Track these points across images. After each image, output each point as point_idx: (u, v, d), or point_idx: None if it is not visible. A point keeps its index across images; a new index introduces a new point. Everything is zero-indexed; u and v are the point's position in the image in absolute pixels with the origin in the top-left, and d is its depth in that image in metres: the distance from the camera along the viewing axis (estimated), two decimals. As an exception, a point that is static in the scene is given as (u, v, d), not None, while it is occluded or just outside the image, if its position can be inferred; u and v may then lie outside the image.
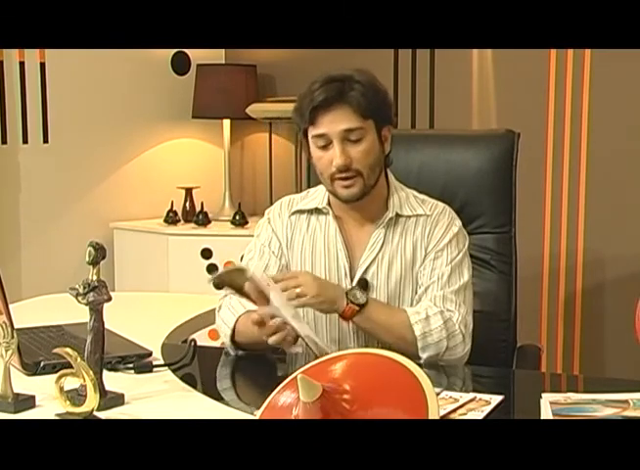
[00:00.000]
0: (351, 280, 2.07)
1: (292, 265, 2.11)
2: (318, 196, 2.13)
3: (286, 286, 1.92)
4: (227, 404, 1.71)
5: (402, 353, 1.76)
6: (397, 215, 2.08)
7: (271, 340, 1.89)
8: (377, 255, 2.07)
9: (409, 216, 2.09)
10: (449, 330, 1.98)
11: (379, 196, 2.08)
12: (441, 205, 2.13)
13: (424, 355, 1.97)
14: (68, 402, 1.59)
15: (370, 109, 1.99)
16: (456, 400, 1.66)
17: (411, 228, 2.08)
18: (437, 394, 1.56)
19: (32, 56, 3.80)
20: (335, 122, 1.97)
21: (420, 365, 1.42)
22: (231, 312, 2.05)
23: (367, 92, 1.98)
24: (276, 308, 1.88)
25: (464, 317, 2.02)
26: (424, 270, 2.06)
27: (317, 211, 2.12)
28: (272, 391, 1.46)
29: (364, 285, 2.06)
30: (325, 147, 2.00)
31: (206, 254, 3.89)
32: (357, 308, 1.96)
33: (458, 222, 2.12)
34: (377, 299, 2.04)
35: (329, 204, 2.11)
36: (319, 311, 2.01)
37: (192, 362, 1.99)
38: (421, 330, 1.97)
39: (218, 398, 1.76)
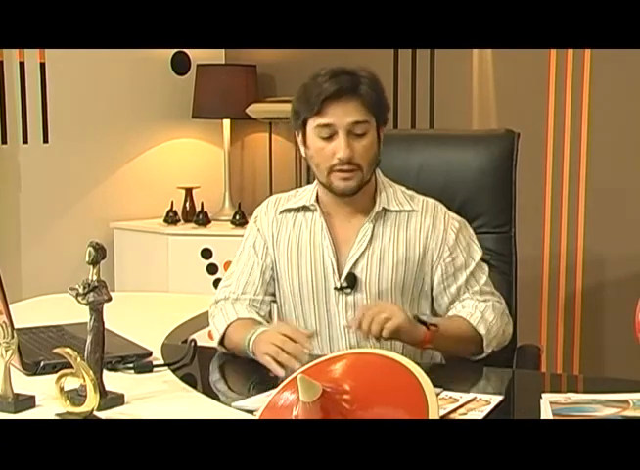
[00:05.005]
0: (339, 276, 2.07)
1: (278, 263, 2.13)
2: (306, 195, 2.14)
3: (372, 315, 1.88)
4: (227, 404, 1.71)
5: (467, 354, 1.99)
6: (385, 210, 2.08)
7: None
8: (365, 249, 2.07)
9: (399, 212, 2.09)
10: (502, 318, 2.10)
11: (368, 192, 2.09)
12: (431, 200, 2.13)
13: (489, 350, 2.05)
14: (68, 402, 1.59)
15: (376, 105, 2.02)
16: (456, 400, 1.66)
17: (403, 225, 2.09)
18: (437, 394, 1.56)
19: (32, 56, 3.80)
20: (344, 114, 1.98)
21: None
22: (223, 318, 2.06)
23: (375, 89, 2.02)
24: None
25: (503, 301, 2.14)
26: (446, 269, 2.08)
27: (304, 208, 2.12)
28: (272, 391, 1.47)
29: (352, 280, 2.06)
30: (328, 138, 2.00)
31: (206, 254, 3.89)
32: (436, 329, 1.95)
33: (453, 215, 2.14)
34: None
35: (317, 201, 2.11)
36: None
37: (192, 362, 1.99)
38: (484, 328, 2.04)
39: (218, 398, 1.76)
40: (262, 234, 2.15)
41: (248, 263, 2.14)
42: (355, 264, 2.07)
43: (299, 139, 2.08)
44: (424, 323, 1.94)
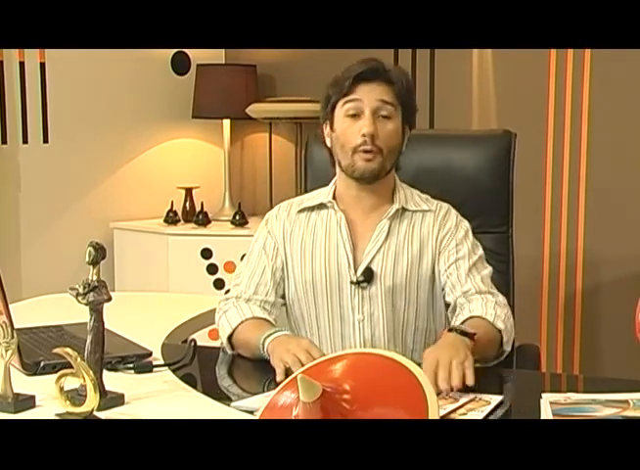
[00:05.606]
0: (355, 271, 2.08)
1: (290, 261, 2.13)
2: (323, 194, 2.16)
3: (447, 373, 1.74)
4: (227, 404, 1.71)
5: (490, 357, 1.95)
6: (403, 209, 2.12)
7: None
8: (382, 245, 2.09)
9: (415, 211, 2.13)
10: (509, 312, 2.07)
11: (386, 187, 2.12)
12: (446, 204, 2.17)
13: (508, 348, 2.03)
14: (68, 402, 1.59)
15: (405, 95, 2.07)
16: (456, 400, 1.66)
17: (418, 222, 2.12)
18: (438, 394, 1.56)
19: (32, 56, 3.80)
20: (372, 93, 2.03)
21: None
22: (238, 314, 2.07)
23: (405, 80, 2.08)
24: None
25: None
26: (448, 257, 2.09)
27: (320, 206, 2.14)
28: (272, 390, 1.47)
29: (369, 274, 2.07)
30: (355, 116, 2.04)
31: (206, 254, 3.89)
32: (477, 338, 1.90)
33: (463, 218, 2.17)
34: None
35: (334, 198, 2.13)
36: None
37: (192, 362, 1.99)
38: (502, 323, 2.01)
39: (218, 397, 1.76)
40: (273, 235, 2.16)
41: (258, 265, 2.14)
42: (372, 260, 2.09)
43: (326, 130, 2.11)
44: (466, 334, 1.87)
